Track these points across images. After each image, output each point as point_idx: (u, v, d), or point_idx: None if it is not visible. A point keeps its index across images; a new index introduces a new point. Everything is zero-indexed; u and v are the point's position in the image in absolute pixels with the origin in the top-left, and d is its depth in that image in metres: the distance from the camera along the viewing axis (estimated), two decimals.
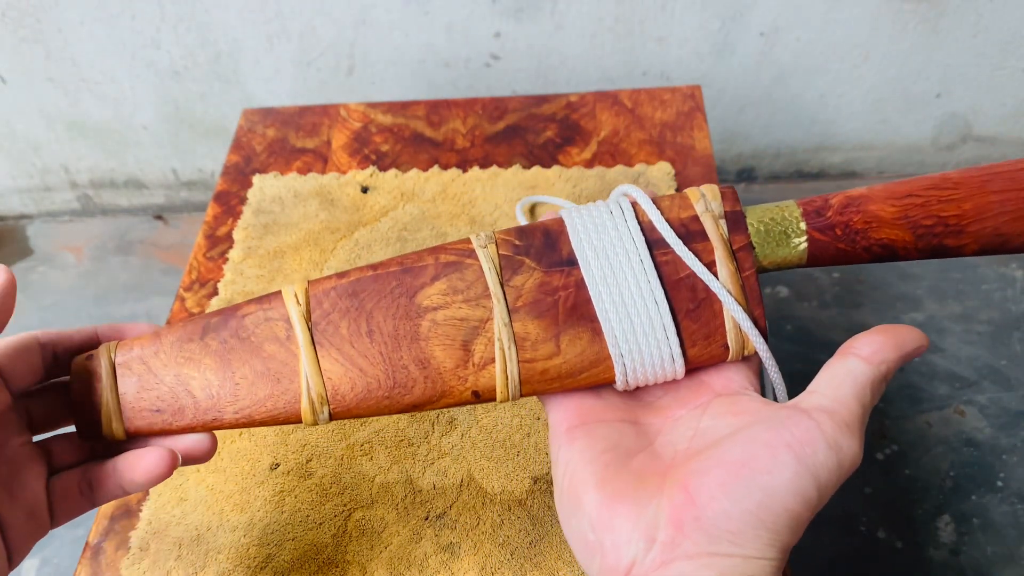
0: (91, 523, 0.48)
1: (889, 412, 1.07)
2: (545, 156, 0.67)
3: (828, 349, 0.30)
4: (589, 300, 0.30)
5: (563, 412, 0.31)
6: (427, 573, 0.43)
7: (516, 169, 0.66)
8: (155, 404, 0.32)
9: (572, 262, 0.31)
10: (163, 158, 1.34)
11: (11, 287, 0.32)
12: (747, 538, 0.25)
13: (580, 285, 0.31)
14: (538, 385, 0.31)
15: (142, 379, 0.32)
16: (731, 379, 0.31)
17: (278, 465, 0.49)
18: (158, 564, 0.45)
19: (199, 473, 0.49)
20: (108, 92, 1.24)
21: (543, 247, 0.31)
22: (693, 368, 0.31)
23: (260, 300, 0.32)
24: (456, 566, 0.43)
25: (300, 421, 0.31)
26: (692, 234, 0.31)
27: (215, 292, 0.59)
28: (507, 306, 0.31)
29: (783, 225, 0.31)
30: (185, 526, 0.46)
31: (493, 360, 0.30)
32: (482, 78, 1.19)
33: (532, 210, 0.62)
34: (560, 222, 0.32)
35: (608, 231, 0.31)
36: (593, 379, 0.31)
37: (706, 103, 1.20)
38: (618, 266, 0.30)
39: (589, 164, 0.66)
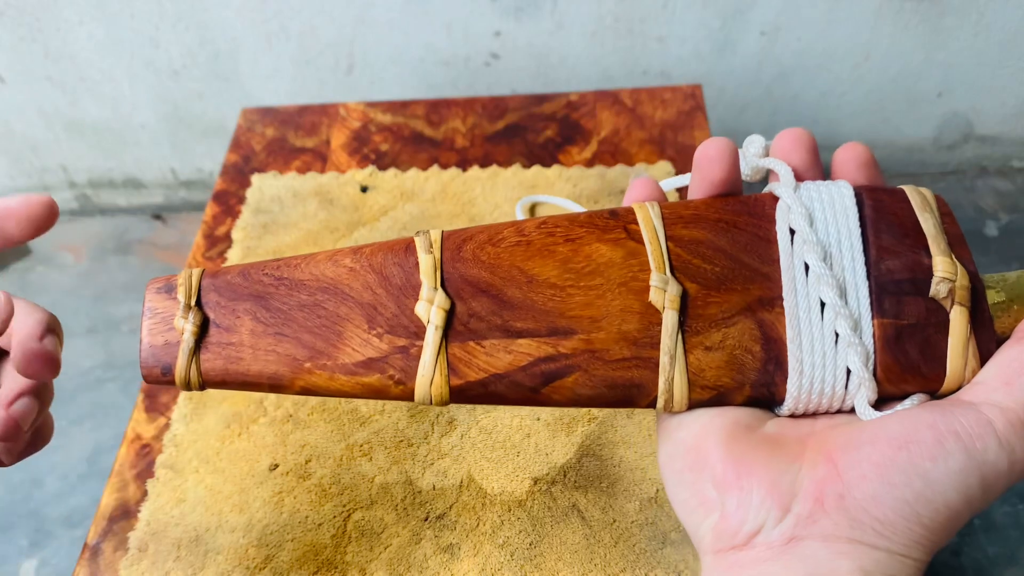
0: (90, 524, 0.48)
1: None
2: (545, 155, 0.67)
3: None
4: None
5: None
6: (427, 574, 0.43)
7: (516, 168, 0.65)
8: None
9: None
10: (162, 157, 1.34)
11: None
12: (897, 531, 0.22)
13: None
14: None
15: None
16: None
17: (277, 466, 0.48)
18: (157, 565, 0.45)
19: (198, 474, 0.49)
20: (107, 91, 1.23)
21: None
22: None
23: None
24: (456, 567, 0.43)
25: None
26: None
27: None
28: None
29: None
30: (184, 527, 0.46)
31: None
32: (482, 77, 1.19)
33: (532, 210, 0.62)
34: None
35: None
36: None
37: (707, 102, 1.20)
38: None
39: (589, 163, 0.66)
